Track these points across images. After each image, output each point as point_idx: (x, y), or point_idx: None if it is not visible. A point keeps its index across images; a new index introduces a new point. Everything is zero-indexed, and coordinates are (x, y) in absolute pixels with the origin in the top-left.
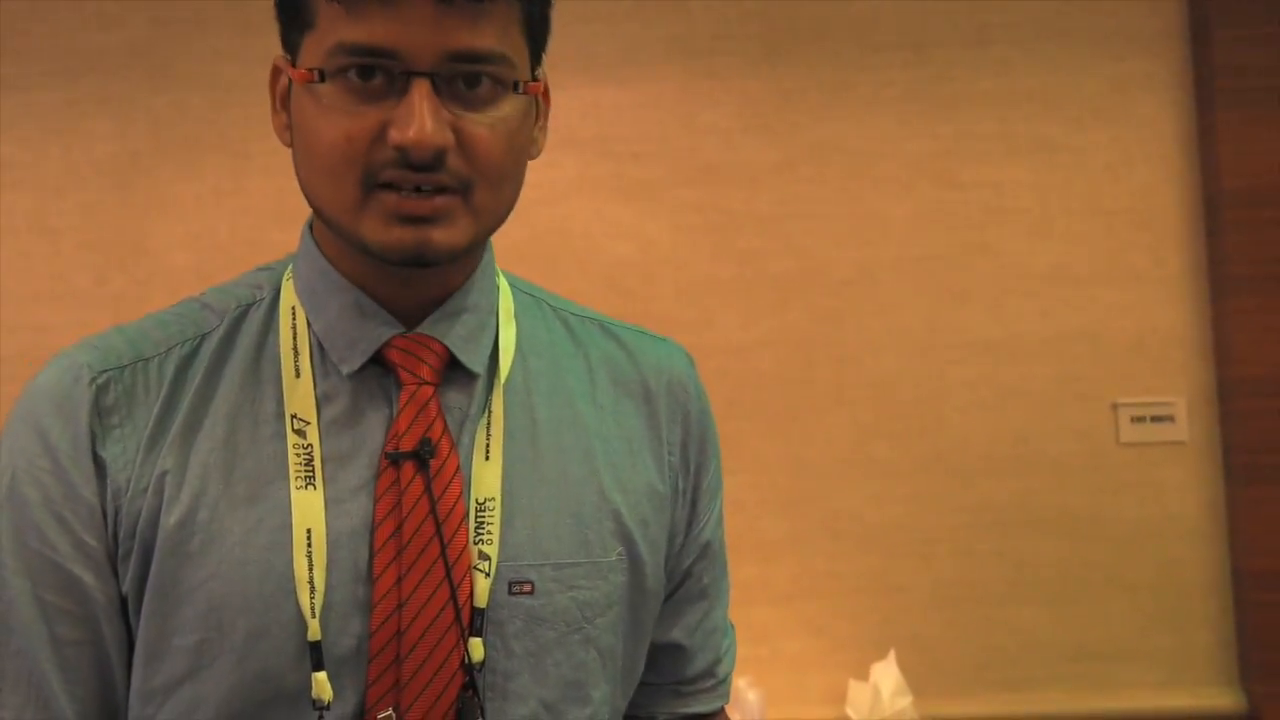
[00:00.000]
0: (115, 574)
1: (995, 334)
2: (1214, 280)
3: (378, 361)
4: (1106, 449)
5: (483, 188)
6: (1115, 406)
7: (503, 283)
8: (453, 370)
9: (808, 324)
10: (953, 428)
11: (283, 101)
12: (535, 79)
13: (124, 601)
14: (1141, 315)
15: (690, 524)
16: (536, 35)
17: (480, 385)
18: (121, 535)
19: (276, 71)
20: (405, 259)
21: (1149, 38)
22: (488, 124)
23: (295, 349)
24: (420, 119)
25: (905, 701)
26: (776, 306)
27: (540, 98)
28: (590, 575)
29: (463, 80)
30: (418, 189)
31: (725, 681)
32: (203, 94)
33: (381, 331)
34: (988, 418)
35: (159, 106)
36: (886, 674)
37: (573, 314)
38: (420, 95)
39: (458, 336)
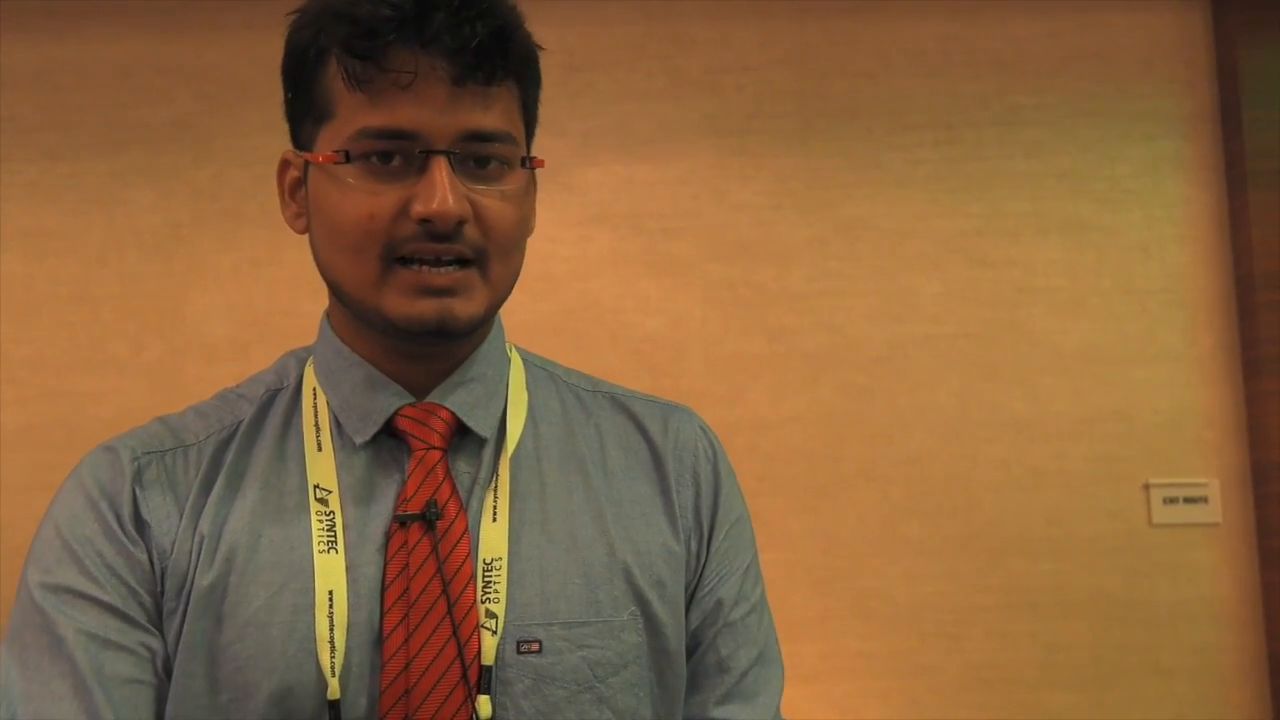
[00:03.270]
0: (160, 627)
1: (1027, 413)
2: (1247, 361)
3: (390, 433)
4: (1139, 530)
5: (496, 259)
6: (1148, 487)
7: (515, 357)
8: (462, 437)
9: (838, 401)
10: (984, 507)
11: (292, 193)
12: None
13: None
14: (1174, 395)
15: (698, 584)
16: (530, 119)
17: (489, 451)
18: (168, 593)
19: (285, 165)
20: (427, 330)
21: (1179, 119)
22: (498, 196)
23: (316, 425)
24: (443, 192)
25: None
26: (807, 383)
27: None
28: (601, 634)
29: (474, 159)
30: (437, 260)
31: None
32: (243, 168)
33: (391, 402)
34: (1019, 497)
35: (200, 179)
36: None
37: (584, 389)
38: (440, 171)
39: (465, 404)
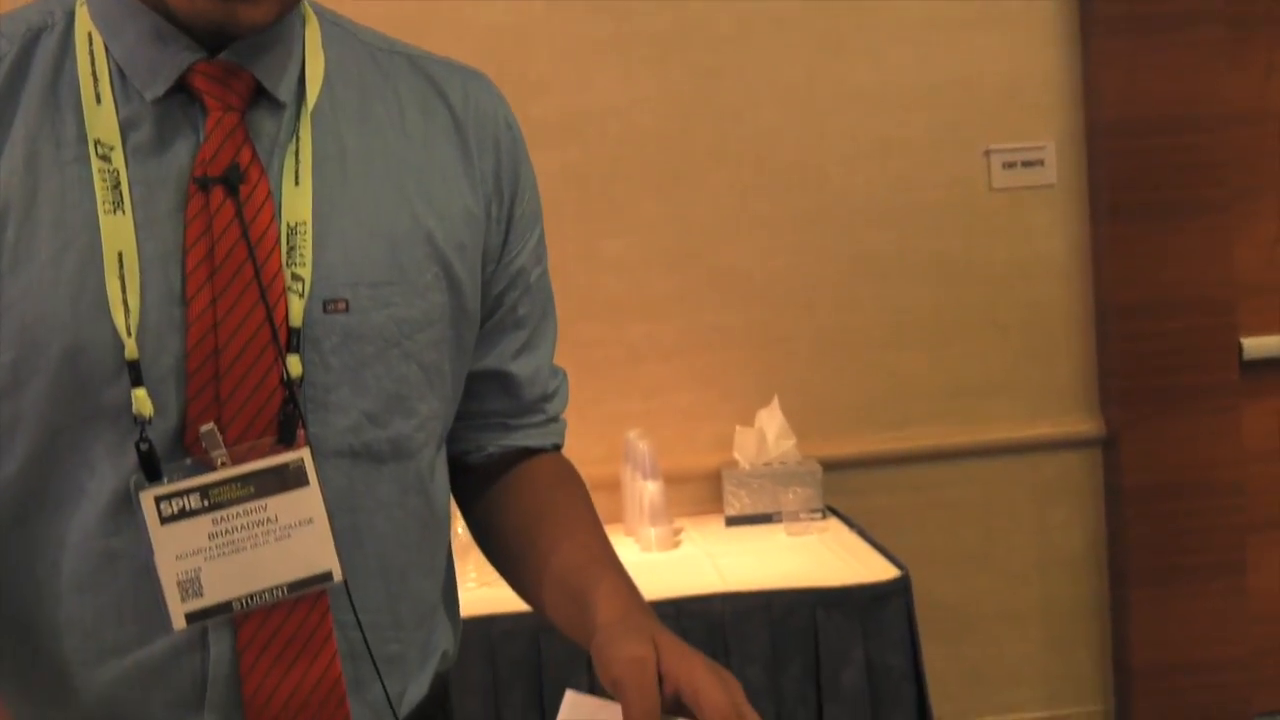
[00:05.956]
0: None
1: (873, 83)
2: (1084, 23)
3: (182, 89)
4: (979, 194)
5: None
6: (988, 153)
7: (309, 11)
8: (259, 98)
9: (688, 82)
10: (833, 180)
11: None
12: None
13: None
14: (1015, 60)
15: (503, 251)
16: None
17: (288, 113)
18: None
19: None
20: (209, 30)
21: None
22: None
23: (94, 75)
24: None
25: (789, 444)
26: (655, 65)
27: None
28: (406, 295)
29: None
30: None
31: (557, 421)
32: None
33: (184, 57)
34: (866, 168)
35: None
36: (771, 419)
37: (379, 48)
38: None
39: (265, 65)
